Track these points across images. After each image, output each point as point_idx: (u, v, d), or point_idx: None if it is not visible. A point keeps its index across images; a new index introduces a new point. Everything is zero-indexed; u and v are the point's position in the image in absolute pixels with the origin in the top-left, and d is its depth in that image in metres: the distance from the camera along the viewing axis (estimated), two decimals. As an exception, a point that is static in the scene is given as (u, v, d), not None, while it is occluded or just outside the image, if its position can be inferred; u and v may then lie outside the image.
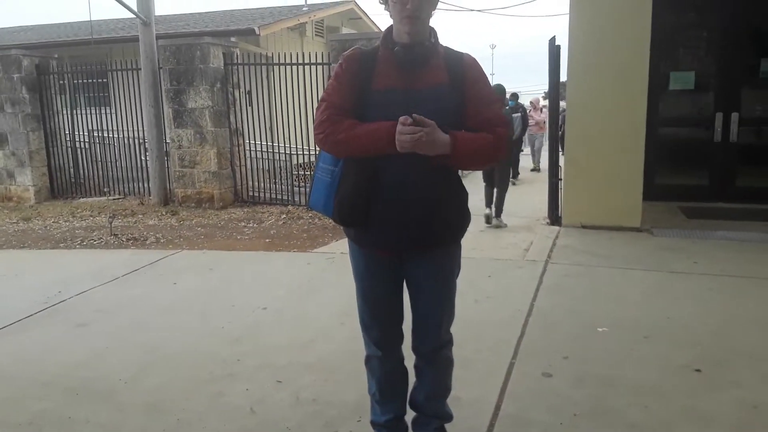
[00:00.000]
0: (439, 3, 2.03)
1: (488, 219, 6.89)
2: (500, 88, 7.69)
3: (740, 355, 3.17)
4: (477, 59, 2.07)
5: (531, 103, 13.92)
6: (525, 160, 12.80)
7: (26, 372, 3.21)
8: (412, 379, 2.33)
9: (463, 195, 2.14)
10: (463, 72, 2.01)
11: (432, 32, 2.02)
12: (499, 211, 6.94)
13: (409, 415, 2.35)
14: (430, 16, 2.00)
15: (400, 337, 2.26)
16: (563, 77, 6.63)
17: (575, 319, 3.72)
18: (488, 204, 6.98)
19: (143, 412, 2.75)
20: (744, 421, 2.55)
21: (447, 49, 2.06)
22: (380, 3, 2.04)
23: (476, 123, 2.00)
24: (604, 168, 6.02)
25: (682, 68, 7.34)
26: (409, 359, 2.30)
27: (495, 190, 6.96)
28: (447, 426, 2.33)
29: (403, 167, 1.96)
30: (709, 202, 7.14)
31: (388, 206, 2.00)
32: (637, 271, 4.71)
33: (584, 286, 4.41)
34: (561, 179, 6.44)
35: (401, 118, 1.87)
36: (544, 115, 12.49)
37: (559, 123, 7.01)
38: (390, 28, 2.03)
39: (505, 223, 6.86)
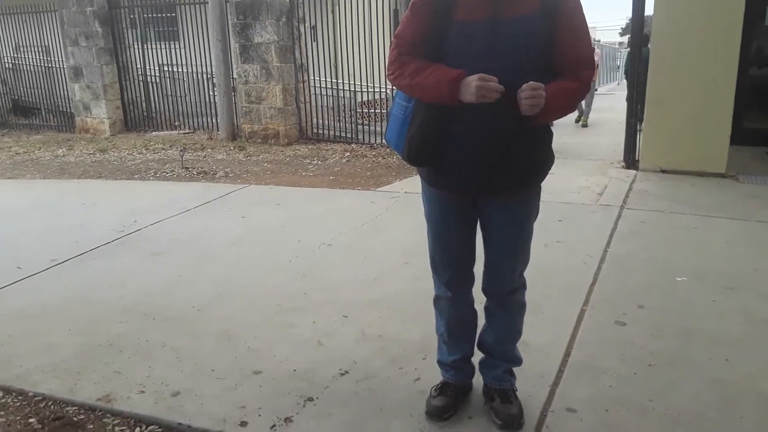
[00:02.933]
0: None
1: None
2: None
3: (835, 313, 2.95)
4: None
5: None
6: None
7: (107, 296, 3.37)
8: (481, 320, 2.27)
9: (546, 136, 1.98)
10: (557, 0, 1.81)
11: None
12: None
13: (477, 356, 2.31)
14: None
15: (471, 279, 2.18)
16: (648, 10, 6.16)
17: (652, 267, 3.56)
18: None
19: (215, 339, 2.84)
20: (837, 382, 2.38)
21: None
22: None
23: (565, 62, 1.81)
24: (690, 109, 5.62)
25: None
26: (479, 299, 2.23)
27: None
28: (515, 370, 2.27)
29: (478, 107, 1.79)
30: (802, 149, 6.63)
31: (461, 147, 1.89)
32: (720, 219, 4.43)
33: (663, 234, 4.19)
34: (641, 120, 6.07)
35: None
36: (597, 56, 11.05)
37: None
38: None
39: None
